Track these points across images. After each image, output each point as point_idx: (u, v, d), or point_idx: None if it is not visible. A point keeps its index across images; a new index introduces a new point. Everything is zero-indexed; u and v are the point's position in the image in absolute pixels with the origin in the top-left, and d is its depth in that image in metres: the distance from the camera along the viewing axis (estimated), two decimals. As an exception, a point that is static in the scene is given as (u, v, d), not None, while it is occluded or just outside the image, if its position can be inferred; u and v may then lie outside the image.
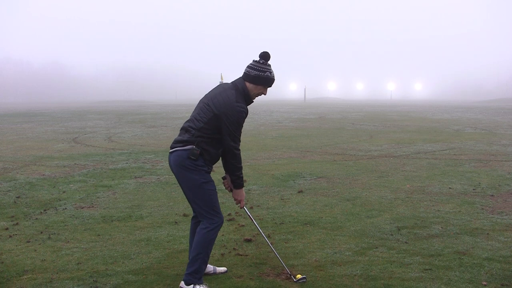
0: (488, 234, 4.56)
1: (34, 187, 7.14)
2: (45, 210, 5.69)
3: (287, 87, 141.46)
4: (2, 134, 17.04)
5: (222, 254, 4.08)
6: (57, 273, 3.67)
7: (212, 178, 3.36)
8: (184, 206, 5.78)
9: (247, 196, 6.42)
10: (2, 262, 3.90)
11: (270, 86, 3.41)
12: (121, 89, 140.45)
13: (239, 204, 3.47)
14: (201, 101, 3.40)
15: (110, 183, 7.41)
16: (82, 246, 4.32)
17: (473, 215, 5.28)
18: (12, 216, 5.42)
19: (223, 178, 3.48)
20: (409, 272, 3.62)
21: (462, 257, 3.92)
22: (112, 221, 5.19)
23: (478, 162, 9.21)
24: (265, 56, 3.36)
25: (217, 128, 3.23)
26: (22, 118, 27.48)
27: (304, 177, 7.81)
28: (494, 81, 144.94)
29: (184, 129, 3.35)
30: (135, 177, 7.90)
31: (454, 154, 10.49)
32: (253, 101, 3.41)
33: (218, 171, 8.23)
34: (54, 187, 7.13)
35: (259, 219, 5.20)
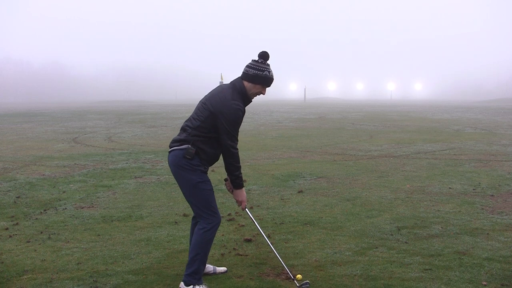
0: (488, 234, 4.56)
1: (34, 187, 7.14)
2: (45, 210, 5.70)
3: (287, 87, 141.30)
4: (2, 134, 17.04)
5: (222, 254, 4.08)
6: (57, 273, 3.67)
7: (210, 179, 3.35)
8: (184, 206, 5.77)
9: (247, 196, 6.41)
10: (2, 262, 3.90)
11: (269, 85, 3.41)
12: (121, 89, 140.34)
13: (241, 206, 3.45)
14: (200, 101, 3.42)
15: (110, 183, 7.41)
16: (82, 246, 4.32)
17: (473, 215, 5.28)
18: (12, 216, 5.42)
19: (225, 180, 3.47)
20: (409, 272, 3.62)
21: (462, 257, 3.93)
22: (112, 221, 5.20)
23: (478, 162, 9.21)
24: (264, 55, 3.37)
25: (214, 126, 3.23)
26: (22, 118, 27.48)
27: (304, 177, 7.81)
28: (494, 81, 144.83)
29: (182, 129, 3.37)
30: (135, 177, 7.90)
31: (454, 154, 10.50)
32: (251, 101, 3.41)
33: (218, 171, 8.27)
34: (54, 187, 7.13)
35: (259, 219, 5.20)
